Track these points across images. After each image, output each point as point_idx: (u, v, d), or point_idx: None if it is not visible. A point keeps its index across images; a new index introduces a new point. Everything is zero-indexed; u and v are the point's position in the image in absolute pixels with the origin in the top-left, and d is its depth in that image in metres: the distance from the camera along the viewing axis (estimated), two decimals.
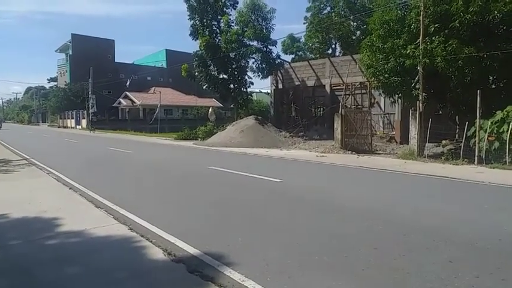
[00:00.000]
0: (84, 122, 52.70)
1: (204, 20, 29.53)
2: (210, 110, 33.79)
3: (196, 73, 30.32)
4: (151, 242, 5.05)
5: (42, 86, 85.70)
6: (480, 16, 13.33)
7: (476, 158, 12.62)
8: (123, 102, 54.82)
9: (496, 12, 13.00)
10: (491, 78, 15.00)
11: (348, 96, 24.89)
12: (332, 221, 6.15)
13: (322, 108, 27.72)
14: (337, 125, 17.92)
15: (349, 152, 16.90)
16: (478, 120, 12.73)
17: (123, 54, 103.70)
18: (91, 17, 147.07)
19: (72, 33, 64.35)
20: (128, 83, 53.57)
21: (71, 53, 64.19)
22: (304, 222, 6.04)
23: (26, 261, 4.49)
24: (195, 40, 29.89)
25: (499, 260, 4.39)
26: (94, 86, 49.62)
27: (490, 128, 12.46)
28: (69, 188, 8.96)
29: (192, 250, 4.71)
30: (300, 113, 28.61)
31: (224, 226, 5.89)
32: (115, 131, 41.33)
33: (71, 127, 56.22)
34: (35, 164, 13.56)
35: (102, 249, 4.90)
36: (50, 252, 4.79)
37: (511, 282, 3.80)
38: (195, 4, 29.29)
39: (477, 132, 12.69)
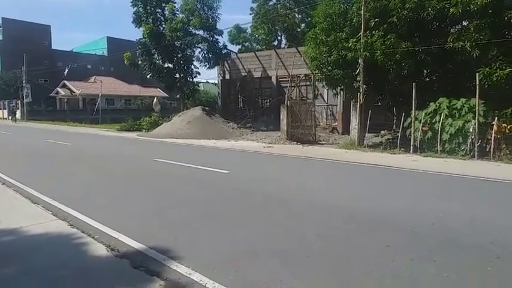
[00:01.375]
0: (18, 113, 49.30)
1: (148, 7, 28.61)
2: (155, 100, 32.92)
3: (140, 62, 29.40)
4: (93, 238, 4.88)
5: None
6: (415, 12, 14.08)
7: (411, 147, 13.42)
8: (61, 91, 51.85)
9: (429, 9, 13.77)
10: (425, 71, 15.94)
11: (293, 88, 25.35)
12: (277, 211, 6.29)
13: (268, 100, 28.01)
14: (283, 116, 18.22)
15: (295, 142, 17.30)
16: (413, 111, 13.53)
17: (61, 42, 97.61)
18: (24, 1, 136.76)
19: (2, 17, 59.58)
20: (65, 72, 50.66)
21: (1, 38, 59.48)
22: (252, 213, 6.12)
23: None
24: (138, 28, 28.97)
25: (432, 243, 4.73)
26: (28, 74, 46.43)
27: (424, 118, 13.30)
28: (2, 183, 8.38)
29: (136, 245, 4.61)
30: (248, 104, 28.72)
31: (171, 219, 5.82)
32: (53, 122, 39.07)
33: (3, 118, 52.36)
34: None
35: (41, 247, 4.66)
36: None
37: (441, 264, 4.11)
38: None
39: (413, 122, 13.49)
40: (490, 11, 12.98)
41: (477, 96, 12.02)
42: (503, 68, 12.41)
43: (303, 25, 37.19)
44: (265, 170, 11.08)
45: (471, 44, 12.87)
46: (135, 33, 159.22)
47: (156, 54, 28.96)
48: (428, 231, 5.14)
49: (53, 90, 52.72)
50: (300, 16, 37.67)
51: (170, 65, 29.40)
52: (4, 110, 53.42)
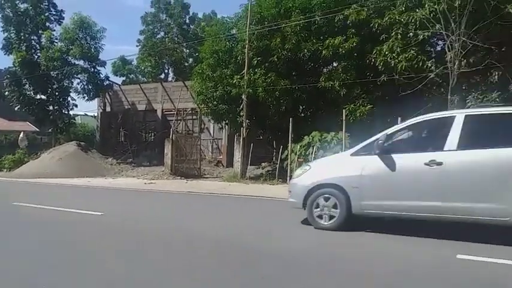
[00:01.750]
0: None
1: (22, 34, 26.14)
2: (21, 135, 29.15)
3: (7, 92, 26.30)
4: None
5: None
6: (293, 53, 15.11)
7: (288, 178, 13.95)
8: None
9: (305, 50, 14.91)
10: (301, 107, 17.02)
11: (179, 121, 24.96)
12: (150, 249, 5.73)
13: (153, 133, 27.15)
14: (168, 150, 17.68)
15: (179, 177, 16.80)
16: (290, 144, 14.21)
17: None
18: None
19: None
20: None
21: None
22: (123, 256, 5.45)
23: None
24: (8, 55, 26.14)
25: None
26: None
27: (299, 151, 14.01)
28: None
29: None
30: (130, 138, 27.36)
31: (30, 276, 4.78)
32: None
33: None
34: None
35: None
36: None
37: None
38: (11, 15, 25.83)
39: (289, 155, 14.14)
40: (355, 54, 14.53)
41: (343, 130, 13.07)
42: (365, 104, 13.84)
43: (190, 60, 37.52)
44: (142, 208, 10.31)
45: (339, 83, 14.17)
46: (3, 61, 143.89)
47: (27, 85, 26.25)
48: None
49: None
50: (188, 51, 38.00)
51: (43, 97, 26.82)
52: None
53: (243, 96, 15.52)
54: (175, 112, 24.38)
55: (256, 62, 15.49)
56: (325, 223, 6.38)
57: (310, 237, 6.15)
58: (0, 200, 11.94)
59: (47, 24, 27.04)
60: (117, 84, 30.33)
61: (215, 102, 16.54)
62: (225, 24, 17.74)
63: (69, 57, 26.25)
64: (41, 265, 5.09)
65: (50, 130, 31.33)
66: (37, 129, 44.45)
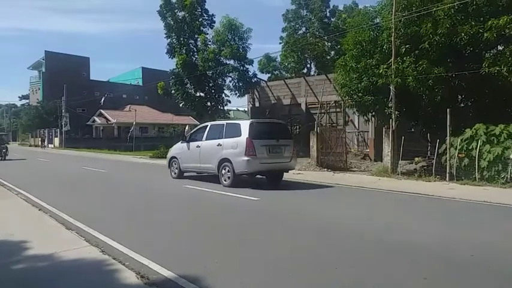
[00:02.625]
0: (57, 141, 51.48)
1: (181, 39, 29.69)
2: (187, 127, 33.60)
3: (173, 91, 30.26)
4: (124, 264, 4.89)
5: (13, 104, 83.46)
6: (448, 38, 13.87)
7: (447, 174, 12.95)
8: (98, 120, 53.96)
9: (462, 34, 13.55)
10: (460, 97, 15.55)
11: (323, 114, 25.26)
12: (310, 240, 6.14)
13: (298, 126, 28.00)
14: (313, 142, 18.10)
15: (325, 169, 17.07)
16: (448, 137, 13.11)
17: (99, 72, 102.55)
18: (66, 34, 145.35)
19: (45, 51, 63.49)
20: (102, 101, 52.89)
21: (44, 70, 63.10)
22: (283, 241, 6.00)
23: None
24: (172, 58, 30.00)
25: (472, 275, 4.46)
26: (68, 103, 48.77)
27: (460, 145, 12.85)
28: (39, 210, 8.64)
29: (166, 273, 4.59)
30: None
31: (201, 247, 5.79)
32: (89, 150, 40.46)
33: (43, 146, 54.78)
34: (3, 185, 13.07)
35: (72, 273, 4.71)
36: (16, 277, 4.57)
37: None
38: (172, 23, 29.46)
39: (448, 149, 13.06)
40: None
41: None
42: None
43: (332, 52, 37.45)
44: (295, 197, 10.93)
45: (508, 68, 12.50)
46: (167, 64, 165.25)
47: (188, 84, 29.78)
48: (468, 263, 4.86)
49: (90, 118, 54.98)
50: (329, 44, 38.01)
51: (202, 94, 30.12)
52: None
53: (390, 87, 14.89)
54: (318, 105, 24.79)
55: (404, 50, 14.69)
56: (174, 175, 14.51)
57: None
58: (175, 183, 13.91)
59: (201, 28, 30.10)
60: (263, 80, 32.18)
61: (360, 94, 16.22)
62: (368, 14, 17.22)
63: (221, 58, 28.87)
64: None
65: None
66: (198, 123, 50.23)
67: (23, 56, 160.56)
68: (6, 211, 8.66)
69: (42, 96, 61.61)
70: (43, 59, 63.20)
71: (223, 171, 12.02)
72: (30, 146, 56.46)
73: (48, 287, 4.28)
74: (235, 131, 11.84)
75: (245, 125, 11.74)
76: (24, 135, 65.52)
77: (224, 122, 13.50)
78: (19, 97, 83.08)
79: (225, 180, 11.94)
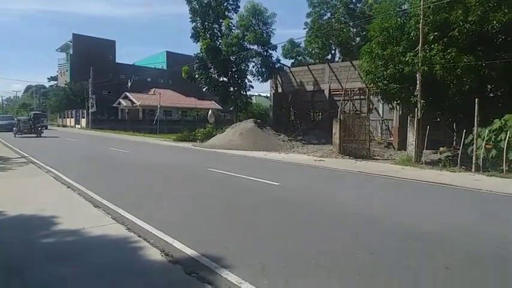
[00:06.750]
0: (83, 121, 52.72)
1: (206, 23, 29.61)
2: (210, 112, 33.84)
3: (197, 75, 30.37)
4: (148, 242, 5.09)
5: (42, 85, 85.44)
6: (479, 25, 13.43)
7: (473, 165, 12.67)
8: (123, 102, 54.85)
9: (494, 22, 13.09)
10: (489, 86, 15.10)
11: (346, 101, 24.97)
12: (330, 225, 6.20)
13: (320, 113, 27.79)
14: (336, 130, 17.97)
15: (347, 156, 16.97)
16: (475, 128, 12.79)
17: (124, 55, 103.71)
18: (93, 16, 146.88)
19: (73, 33, 64.50)
20: (129, 84, 53.58)
21: (71, 52, 64.26)
22: (302, 227, 6.08)
23: (20, 260, 4.51)
24: (196, 43, 30.00)
25: (497, 268, 4.44)
26: (94, 85, 49.70)
27: (487, 136, 12.53)
28: (68, 187, 8.98)
29: (189, 251, 4.75)
30: (299, 117, 28.66)
31: (222, 228, 5.93)
32: (114, 131, 41.33)
33: (71, 126, 56.24)
34: (34, 163, 13.59)
35: (99, 249, 4.94)
36: (45, 251, 4.82)
37: None
38: (197, 7, 29.39)
39: (475, 140, 12.75)
40: None
41: None
42: None
43: (357, 39, 36.62)
44: (316, 183, 10.96)
45: None
46: (191, 48, 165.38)
47: (212, 68, 29.80)
48: (493, 255, 4.82)
49: (116, 101, 55.95)
50: (354, 30, 37.18)
51: (225, 79, 30.14)
52: (71, 119, 57.43)
53: (417, 75, 14.56)
54: (342, 92, 24.52)
55: (432, 37, 14.28)
56: None
57: None
58: (199, 165, 14.17)
59: (226, 13, 29.88)
60: (287, 66, 31.90)
61: (385, 82, 15.91)
62: (395, 0, 16.80)
63: (245, 43, 28.66)
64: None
65: (231, 109, 35.33)
66: (220, 108, 50.65)
67: (52, 38, 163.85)
68: (38, 188, 9.04)
69: (70, 78, 62.91)
70: (71, 42, 64.31)
71: None
72: (58, 126, 58.01)
73: (77, 260, 4.50)
74: None
75: None
76: (53, 116, 67.28)
77: None
78: (48, 78, 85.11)
79: None
